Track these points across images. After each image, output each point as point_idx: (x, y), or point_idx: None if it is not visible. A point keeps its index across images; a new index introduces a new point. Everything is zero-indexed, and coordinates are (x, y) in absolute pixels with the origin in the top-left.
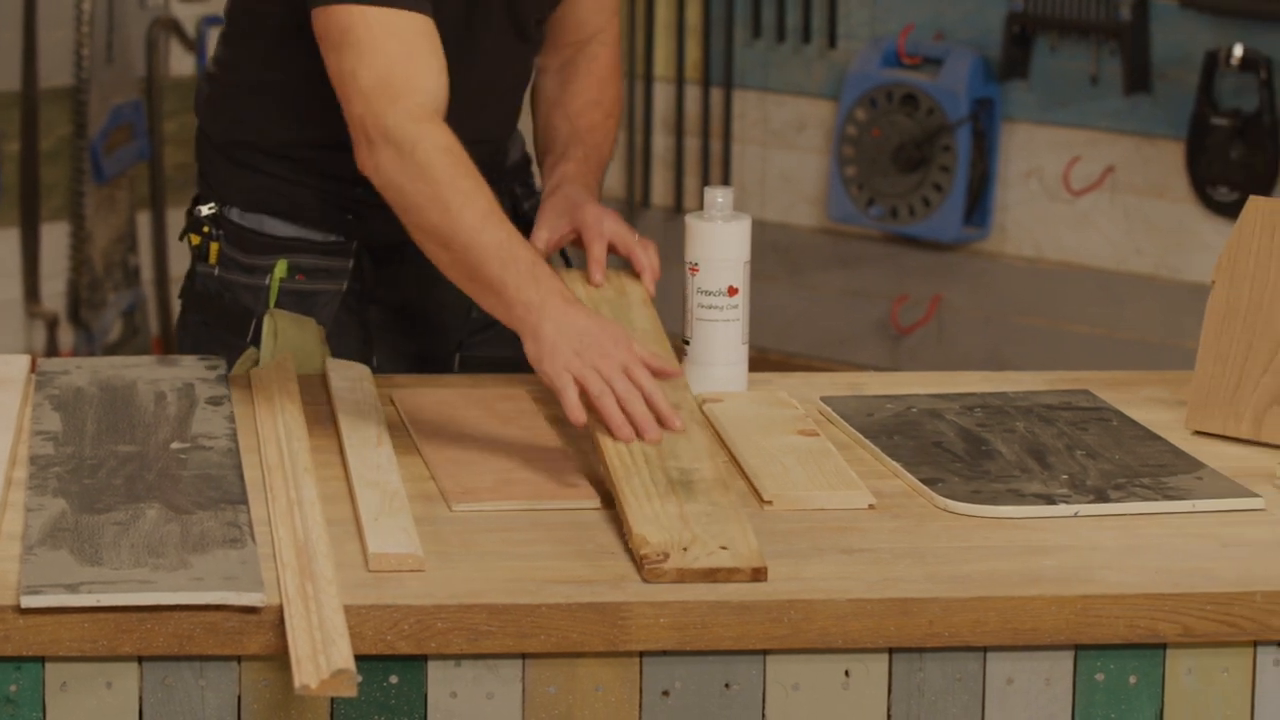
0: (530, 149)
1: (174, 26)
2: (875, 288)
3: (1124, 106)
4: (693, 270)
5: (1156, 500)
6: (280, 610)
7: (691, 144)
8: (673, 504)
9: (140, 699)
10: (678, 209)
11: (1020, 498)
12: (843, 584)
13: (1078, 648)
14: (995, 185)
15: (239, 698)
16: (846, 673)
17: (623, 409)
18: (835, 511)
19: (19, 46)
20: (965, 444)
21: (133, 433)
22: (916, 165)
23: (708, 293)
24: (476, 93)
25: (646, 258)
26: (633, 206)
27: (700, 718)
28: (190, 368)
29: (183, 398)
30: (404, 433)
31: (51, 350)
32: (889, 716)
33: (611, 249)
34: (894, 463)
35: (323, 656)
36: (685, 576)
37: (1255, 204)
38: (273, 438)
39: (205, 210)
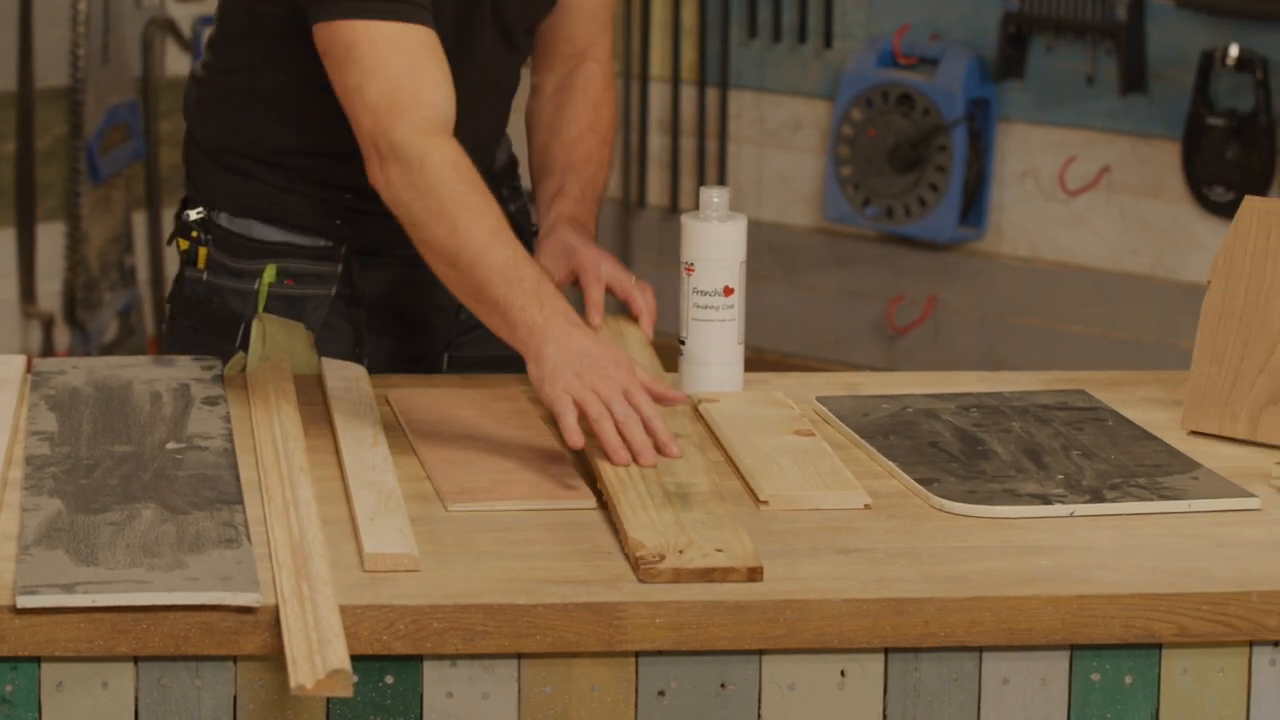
0: (516, 151)
1: (170, 27)
2: (871, 288)
3: (1119, 106)
4: (688, 270)
5: (1152, 500)
6: (276, 610)
7: (687, 144)
8: (669, 513)
9: (136, 699)
10: (673, 209)
11: (1016, 498)
12: (838, 584)
13: (1073, 648)
14: (991, 185)
15: (235, 698)
16: (842, 673)
17: (620, 433)
18: (831, 511)
19: (15, 46)
20: (961, 444)
21: (128, 433)
22: (912, 165)
23: (703, 293)
24: (465, 101)
25: (644, 301)
26: (629, 207)
27: (696, 718)
28: (186, 368)
29: (178, 398)
30: (399, 433)
31: (47, 350)
32: (885, 716)
33: (609, 292)
34: (890, 463)
35: (318, 656)
36: (681, 576)
37: (1251, 204)
38: (268, 438)
39: (194, 215)
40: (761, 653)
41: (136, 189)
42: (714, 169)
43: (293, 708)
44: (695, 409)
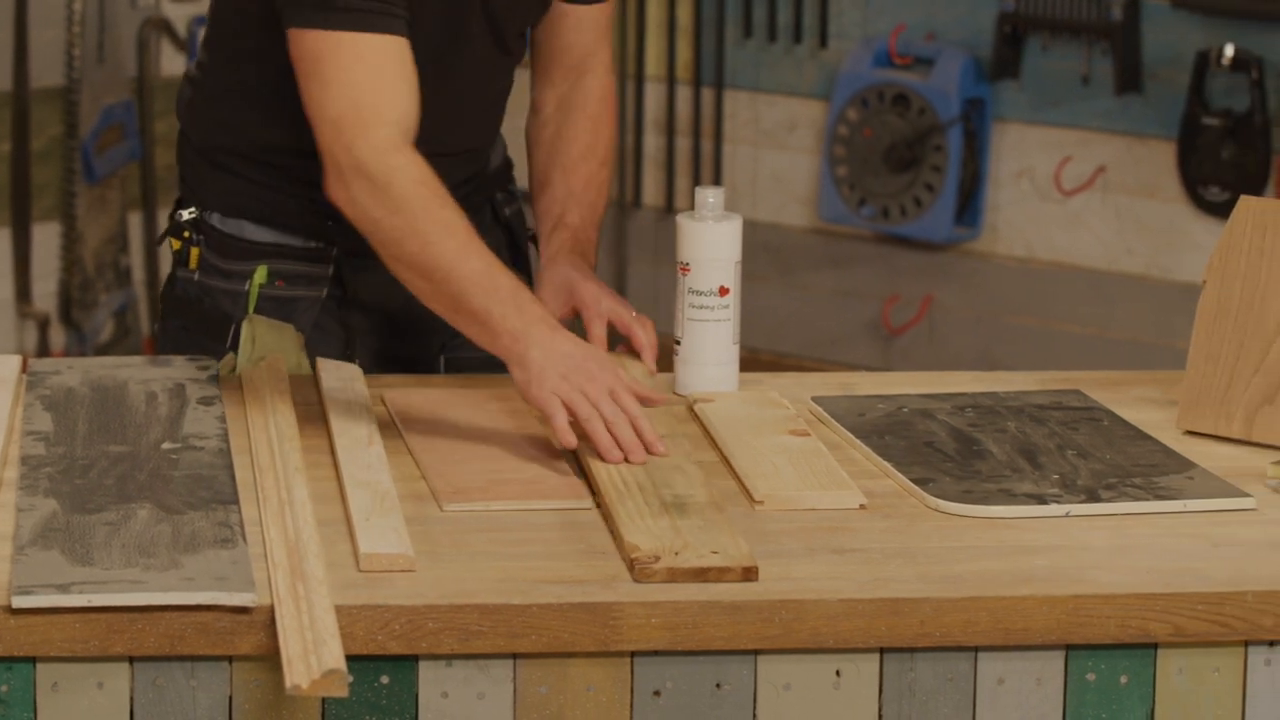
0: (510, 154)
1: (165, 26)
2: (866, 288)
3: (1115, 106)
4: (684, 270)
5: (1148, 500)
6: (271, 610)
7: (683, 144)
8: (665, 520)
9: (131, 699)
10: (669, 209)
11: (1011, 497)
12: (834, 584)
13: (1069, 647)
14: (986, 185)
15: (230, 698)
16: (838, 673)
17: (610, 432)
18: (826, 511)
19: (10, 46)
20: (956, 444)
21: (124, 433)
22: (908, 165)
23: (699, 293)
24: (458, 104)
25: (645, 335)
26: (624, 207)
27: (691, 718)
28: (181, 368)
29: (174, 398)
30: (395, 433)
31: (43, 350)
32: (880, 716)
33: (610, 327)
34: (885, 463)
35: (314, 656)
36: (676, 576)
37: (1246, 203)
38: (264, 438)
39: (186, 215)
40: (757, 653)
41: (132, 189)
42: (709, 169)
43: (288, 708)
44: (691, 409)
